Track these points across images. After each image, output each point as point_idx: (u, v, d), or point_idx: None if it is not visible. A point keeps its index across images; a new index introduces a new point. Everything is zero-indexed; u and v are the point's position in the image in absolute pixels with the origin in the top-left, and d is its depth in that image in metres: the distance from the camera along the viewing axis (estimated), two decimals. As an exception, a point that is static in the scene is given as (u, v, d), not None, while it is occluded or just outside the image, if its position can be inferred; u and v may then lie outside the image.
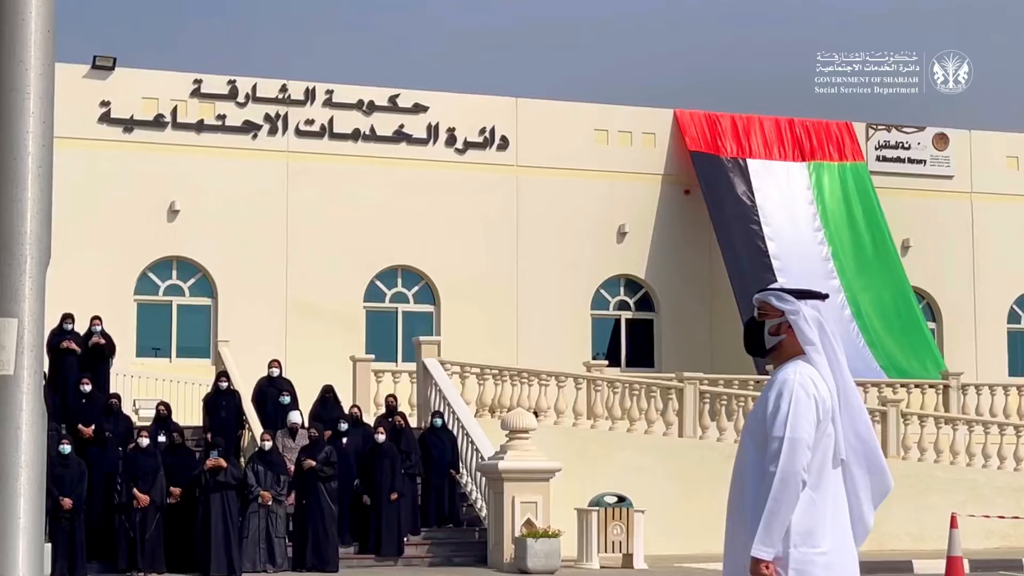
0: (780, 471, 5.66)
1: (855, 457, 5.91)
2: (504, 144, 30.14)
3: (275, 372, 22.59)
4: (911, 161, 32.96)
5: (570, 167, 30.46)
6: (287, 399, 22.09)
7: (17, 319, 4.79)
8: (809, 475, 5.72)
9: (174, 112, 27.95)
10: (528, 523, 20.08)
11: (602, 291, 31.07)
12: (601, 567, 20.53)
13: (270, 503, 19.44)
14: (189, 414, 23.61)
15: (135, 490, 18.66)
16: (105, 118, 27.17)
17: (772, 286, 6.17)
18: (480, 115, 30.06)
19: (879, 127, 32.90)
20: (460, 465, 22.16)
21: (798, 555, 5.70)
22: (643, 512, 21.10)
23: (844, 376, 5.96)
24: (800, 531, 5.70)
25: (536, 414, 22.90)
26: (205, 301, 28.26)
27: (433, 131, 29.71)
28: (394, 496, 20.58)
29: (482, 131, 30.04)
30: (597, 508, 20.88)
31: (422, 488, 21.68)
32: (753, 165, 31.41)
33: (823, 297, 6.16)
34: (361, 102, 29.30)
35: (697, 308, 31.17)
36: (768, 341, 6.04)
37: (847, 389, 5.95)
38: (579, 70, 52.84)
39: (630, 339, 31.29)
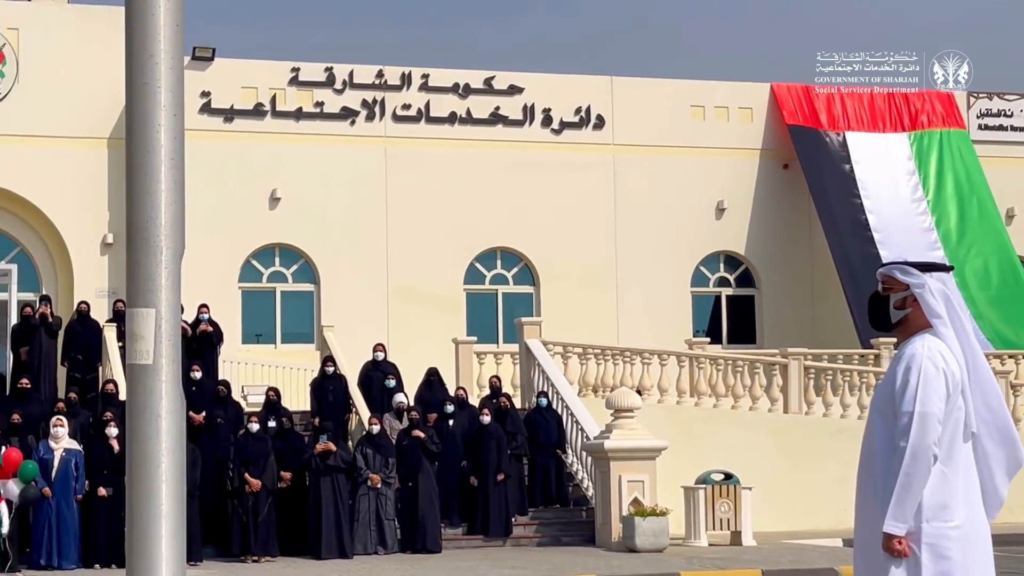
0: (911, 446, 5.62)
1: (986, 430, 5.86)
2: (600, 123, 30.08)
3: (380, 356, 22.77)
4: (1014, 129, 32.42)
5: (667, 144, 30.34)
6: (392, 382, 22.26)
7: (155, 309, 4.87)
8: (940, 449, 5.68)
9: (273, 101, 28.22)
10: (635, 502, 20.07)
11: (702, 268, 30.92)
12: (709, 545, 20.48)
13: (379, 485, 19.61)
14: (296, 399, 23.86)
15: (247, 475, 18.91)
16: (206, 108, 27.50)
17: (896, 260, 6.13)
18: (575, 95, 30.01)
19: (980, 95, 32.39)
20: (566, 445, 22.20)
21: (931, 529, 5.66)
22: (750, 489, 21.02)
23: (973, 348, 5.91)
24: (932, 505, 5.67)
25: (640, 393, 22.87)
26: (308, 287, 28.53)
27: (529, 112, 29.73)
28: (501, 477, 20.69)
29: (578, 111, 30.00)
30: (704, 486, 20.84)
31: (528, 469, 21.76)
32: (852, 137, 31.08)
33: (948, 269, 6.13)
34: (457, 85, 29.39)
35: (798, 283, 30.93)
36: (893, 315, 6.01)
37: (976, 361, 5.90)
38: (673, 47, 52.55)
39: (731, 316, 31.13)
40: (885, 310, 6.02)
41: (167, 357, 4.89)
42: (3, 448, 18.23)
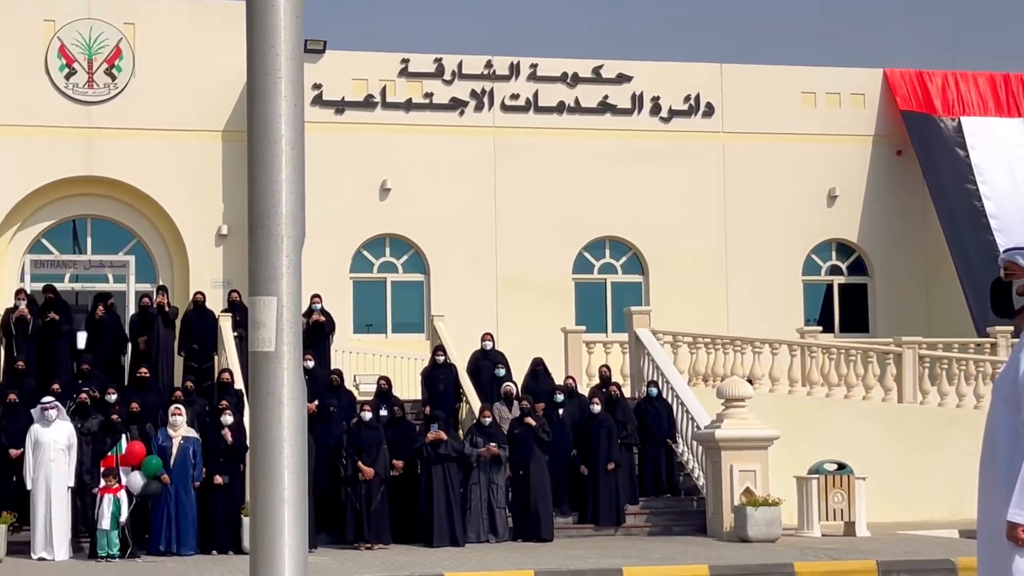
0: (1035, 434, 5.52)
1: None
2: (709, 111, 29.89)
3: (488, 345, 22.85)
4: None
5: (777, 131, 30.08)
6: (502, 371, 22.33)
7: (276, 298, 4.94)
8: (1065, 437, 5.57)
9: (383, 92, 28.43)
10: (747, 492, 19.96)
11: (813, 256, 30.62)
12: (823, 535, 20.30)
13: (497, 451, 19.64)
14: (406, 388, 24.03)
15: (360, 463, 19.08)
16: (317, 100, 27.77)
17: (1018, 245, 6.02)
18: (684, 83, 29.86)
19: (1100, 78, 31.68)
20: (676, 434, 22.13)
21: (1056, 519, 5.55)
22: (864, 479, 20.80)
23: (1098, 335, 5.79)
24: (1057, 494, 5.56)
25: (751, 382, 22.72)
26: (418, 277, 28.71)
27: (638, 101, 29.63)
28: (611, 466, 20.68)
29: (687, 99, 29.85)
30: (817, 476, 20.65)
31: (639, 458, 21.72)
32: (968, 123, 30.56)
33: (1073, 254, 5.99)
34: (565, 75, 29.38)
35: (912, 271, 30.52)
36: (1016, 301, 5.90)
37: (1102, 349, 5.77)
38: (784, 33, 52.07)
39: (843, 304, 30.78)
40: (1007, 297, 5.92)
41: (288, 344, 4.96)
42: (125, 438, 18.58)
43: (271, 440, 4.92)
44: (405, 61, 28.69)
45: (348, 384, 22.60)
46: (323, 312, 22.75)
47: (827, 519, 20.57)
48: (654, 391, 22.26)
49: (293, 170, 4.98)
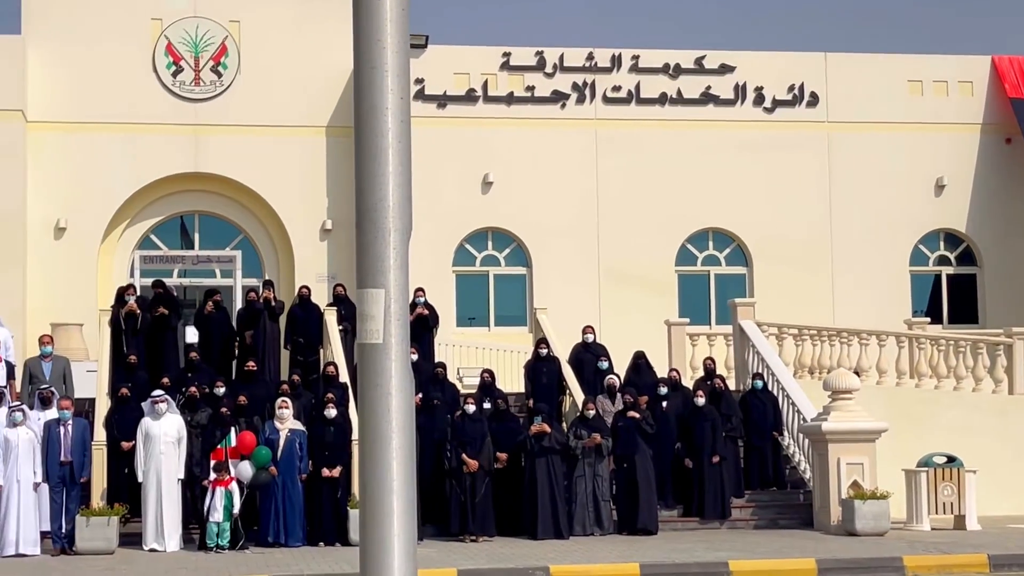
0: None
1: None
2: (814, 100, 29.59)
3: (590, 337, 22.81)
4: None
5: (883, 120, 29.70)
6: (605, 364, 22.28)
7: (384, 290, 4.97)
8: None
9: (485, 86, 28.50)
10: (855, 485, 19.75)
11: (920, 246, 30.20)
12: (932, 529, 20.03)
13: (599, 442, 19.63)
14: (510, 381, 24.08)
15: (464, 455, 19.15)
16: (419, 95, 27.91)
17: None
18: (788, 72, 29.59)
19: None
20: (782, 427, 21.95)
21: None
22: (975, 472, 20.48)
23: None
24: None
25: (858, 374, 22.46)
26: (520, 271, 28.75)
27: (741, 91, 29.41)
28: (716, 459, 20.56)
29: (791, 88, 29.57)
30: (926, 469, 20.38)
31: (744, 451, 21.57)
32: (1079, 110, 29.95)
33: None
34: (667, 66, 29.25)
35: (1022, 260, 29.97)
36: None
37: None
38: (888, 20, 51.39)
39: (952, 295, 30.33)
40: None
41: (396, 336, 4.99)
42: (234, 431, 18.80)
43: (380, 432, 4.95)
44: (506, 55, 28.74)
45: (451, 377, 22.69)
46: (426, 305, 22.85)
47: (936, 513, 20.29)
48: (759, 384, 22.09)
49: (400, 163, 5.00)
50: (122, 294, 22.79)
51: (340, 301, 23.51)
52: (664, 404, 21.15)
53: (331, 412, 19.17)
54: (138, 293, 23.06)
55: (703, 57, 29.44)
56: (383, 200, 4.97)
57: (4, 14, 45.14)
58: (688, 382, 22.62)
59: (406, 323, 5.00)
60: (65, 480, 18.24)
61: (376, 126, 4.96)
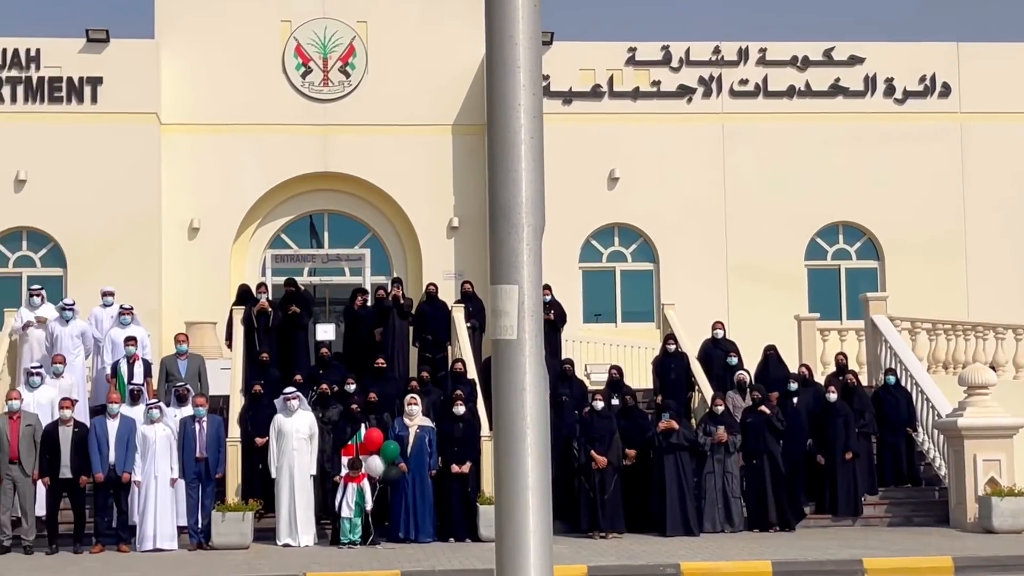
0: None
1: None
2: (946, 91, 29.06)
3: (719, 333, 22.65)
4: None
5: (1017, 111, 29.05)
6: (734, 360, 22.12)
7: (517, 286, 4.97)
8: None
9: (610, 81, 28.42)
10: (992, 481, 19.38)
11: (1058, 238, 29.52)
12: (1073, 527, 19.58)
13: (726, 439, 19.50)
14: (637, 377, 24.00)
15: (593, 452, 19.13)
16: (545, 92, 27.83)
17: None
18: (919, 63, 29.09)
19: None
20: (916, 423, 21.60)
21: None
22: (1116, 469, 19.99)
23: None
24: None
25: (994, 369, 22.03)
26: (647, 266, 28.63)
27: (871, 82, 28.98)
28: (849, 455, 20.31)
29: (922, 79, 29.07)
30: (1066, 466, 19.93)
31: (877, 447, 21.27)
32: None
33: None
34: (795, 58, 28.92)
35: None
36: None
37: None
38: (1021, 8, 50.27)
39: (1091, 288, 29.58)
40: None
41: (530, 332, 4.98)
42: (364, 427, 18.99)
43: (514, 428, 4.95)
44: (632, 50, 28.63)
45: (579, 373, 22.68)
46: (553, 302, 22.86)
47: (1078, 511, 19.81)
48: (892, 379, 21.77)
49: (532, 159, 4.99)
50: (246, 292, 23.17)
51: (468, 298, 23.63)
52: (795, 400, 20.93)
53: (460, 409, 19.26)
54: (269, 292, 23.38)
55: (832, 49, 29.07)
56: (516, 196, 4.97)
57: (139, 20, 46.01)
58: (819, 378, 22.36)
59: (540, 319, 4.99)
60: (201, 476, 18.57)
61: (509, 123, 4.96)
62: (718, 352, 22.41)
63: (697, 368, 22.18)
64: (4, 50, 27.07)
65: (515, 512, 4.92)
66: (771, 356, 22.34)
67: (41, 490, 18.56)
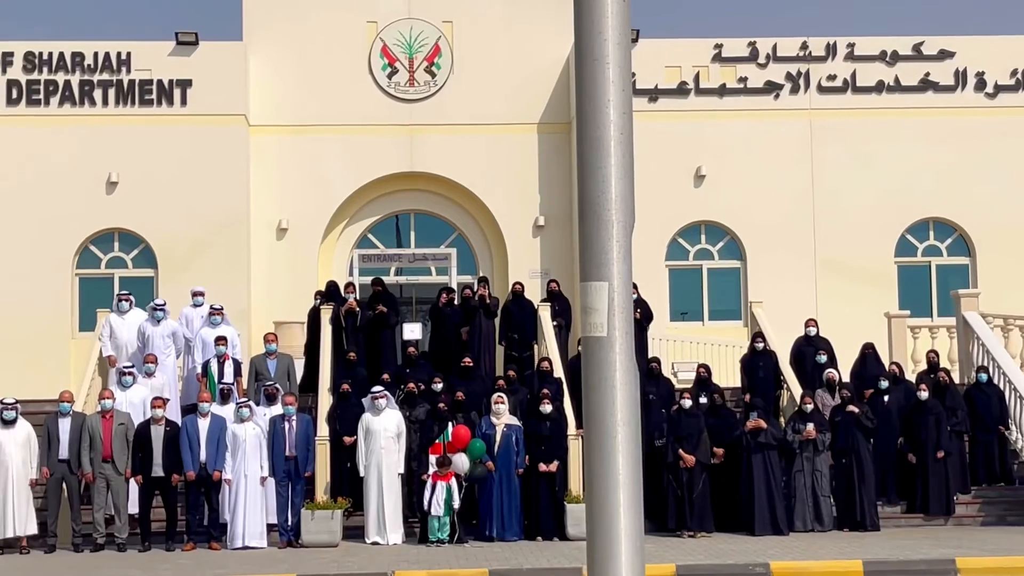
0: None
1: None
2: (1038, 84, 28.62)
3: (812, 331, 22.45)
4: None
5: (1113, 103, 28.55)
6: (823, 357, 21.91)
7: (607, 283, 4.95)
8: None
9: (696, 78, 28.28)
10: (1088, 481, 19.04)
11: None
12: None
13: (814, 436, 19.34)
14: (725, 375, 23.87)
15: (681, 451, 19.05)
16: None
17: None
18: (1012, 56, 28.64)
19: None
20: (1009, 421, 21.29)
21: None
22: None
23: None
24: None
25: (1089, 366, 21.66)
26: (734, 264, 28.45)
27: (961, 77, 28.58)
28: (940, 454, 20.06)
29: (1013, 73, 28.63)
30: None
31: (969, 445, 20.99)
32: None
33: None
34: (884, 53, 28.59)
35: None
36: None
37: None
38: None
39: None
40: None
41: (620, 329, 4.97)
42: (451, 426, 19.04)
43: (605, 425, 4.94)
44: (718, 46, 28.47)
45: (666, 372, 22.59)
46: (640, 301, 22.78)
47: None
48: (984, 376, 21.46)
49: (622, 155, 4.97)
50: (333, 289, 23.35)
51: (554, 297, 23.61)
52: (886, 398, 20.71)
53: (546, 407, 19.26)
54: (356, 291, 23.54)
55: (921, 43, 28.71)
56: (605, 193, 4.95)
57: (227, 23, 46.56)
58: (910, 375, 22.10)
59: (630, 316, 4.98)
60: (290, 474, 18.72)
61: (598, 119, 4.94)
62: (810, 350, 22.21)
63: (786, 366, 22.00)
64: (96, 54, 27.45)
65: (606, 510, 4.91)
66: (868, 354, 22.11)
67: (134, 488, 18.80)
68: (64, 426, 18.66)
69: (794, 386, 21.35)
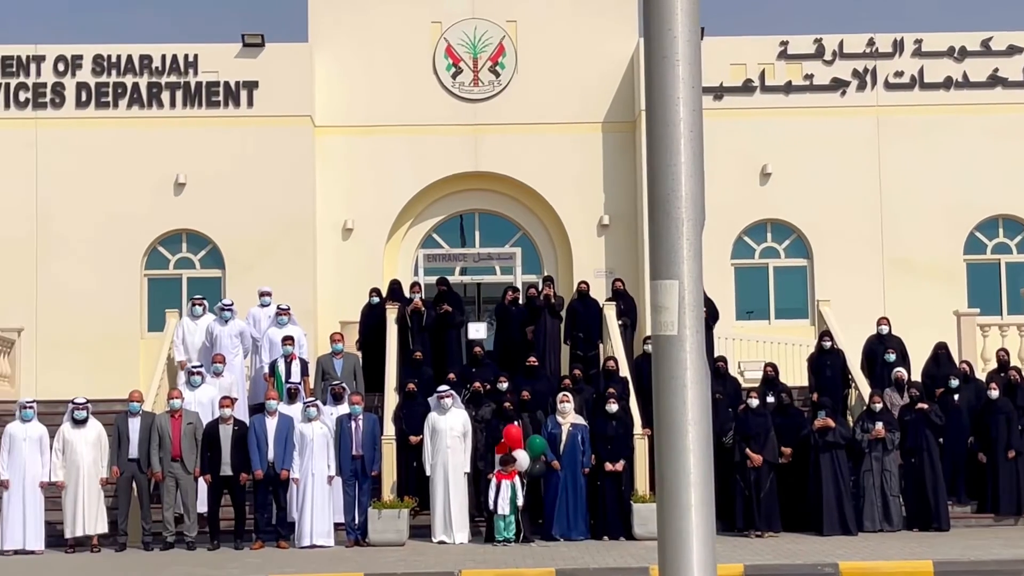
0: None
1: None
2: (1110, 79, 28.21)
3: (884, 329, 22.26)
4: None
5: None
6: (892, 356, 21.73)
7: (677, 281, 4.92)
8: None
9: (762, 76, 28.11)
10: None
11: None
12: None
13: (883, 436, 19.19)
14: (792, 374, 23.71)
15: (748, 450, 18.96)
16: (696, 88, 27.67)
17: None
18: (1082, 50, 28.28)
19: None
20: (1082, 420, 21.01)
21: None
22: None
23: None
24: None
25: None
26: (801, 262, 28.26)
27: (1030, 72, 28.24)
28: (1011, 454, 19.84)
29: (1084, 67, 28.26)
30: None
31: (1041, 445, 20.72)
32: None
33: None
34: (952, 48, 28.29)
35: None
36: None
37: None
38: None
39: None
40: None
41: (691, 328, 4.93)
42: (517, 424, 19.05)
43: (676, 424, 4.90)
44: (784, 43, 28.28)
45: (732, 371, 22.48)
46: (706, 300, 22.67)
47: None
48: (1056, 375, 21.19)
49: (692, 152, 4.95)
50: (396, 288, 23.44)
51: (619, 296, 23.57)
52: (955, 397, 20.51)
53: (612, 407, 19.23)
54: (422, 291, 23.61)
55: (990, 39, 28.38)
56: (675, 191, 4.92)
57: (293, 24, 46.79)
58: (979, 374, 21.87)
59: (700, 314, 4.95)
60: (357, 473, 18.80)
61: (668, 116, 4.91)
62: (882, 348, 22.03)
63: (854, 365, 21.83)
64: (163, 56, 27.70)
65: (677, 509, 4.88)
66: (941, 354, 21.90)
67: (203, 487, 18.95)
68: (134, 425, 18.84)
69: (862, 385, 21.18)
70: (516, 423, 19.10)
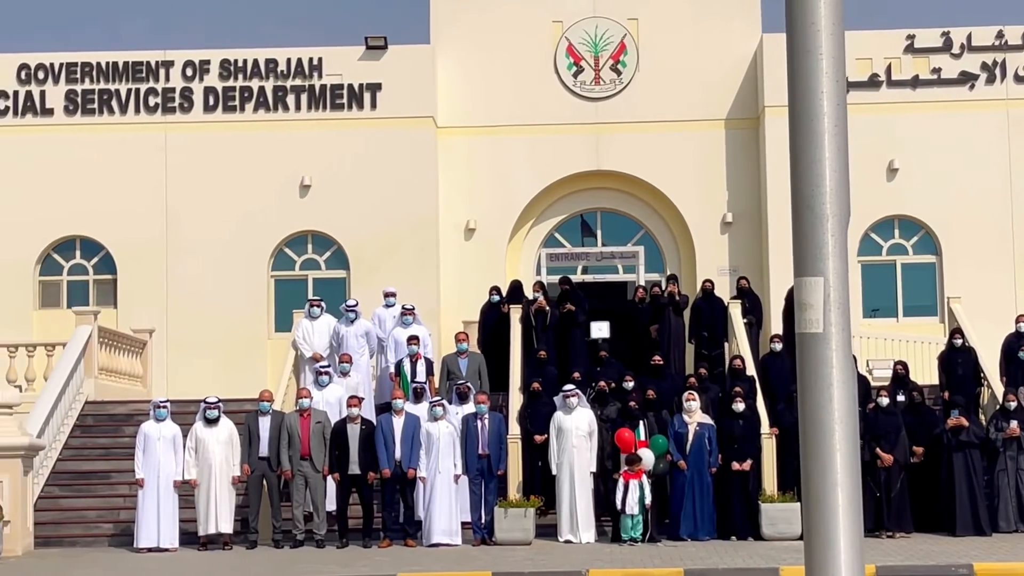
0: None
1: None
2: None
3: (1022, 327, 21.78)
4: None
5: None
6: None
7: (823, 278, 4.87)
8: None
9: (888, 70, 27.71)
10: None
11: None
12: None
13: (1018, 434, 18.83)
14: (922, 373, 23.33)
15: (878, 450, 18.69)
16: (819, 83, 27.34)
17: None
18: None
19: None
20: None
21: None
22: None
23: None
24: None
25: None
26: (929, 259, 27.79)
27: None
28: None
29: None
30: None
31: None
32: None
33: None
34: (1084, 39, 27.68)
35: None
36: None
37: None
38: None
39: None
40: None
41: (837, 325, 4.88)
42: (643, 424, 18.98)
43: (822, 423, 4.85)
44: (911, 37, 27.85)
45: (860, 369, 22.17)
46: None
47: None
48: None
49: (836, 148, 4.89)
50: (517, 288, 23.48)
51: (744, 294, 23.39)
52: (1091, 395, 20.03)
53: (739, 406, 19.08)
54: (546, 289, 23.62)
55: (1105, 26, 27.72)
56: (819, 187, 4.87)
57: (415, 26, 47.07)
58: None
59: (846, 312, 4.89)
60: (483, 472, 18.85)
61: (812, 111, 4.86)
62: (1019, 345, 21.58)
63: (986, 363, 21.42)
64: (288, 60, 28.03)
65: (824, 510, 4.82)
66: (1085, 349, 21.41)
67: (331, 486, 19.13)
68: (264, 424, 19.09)
69: (995, 383, 20.77)
70: (641, 423, 19.02)
